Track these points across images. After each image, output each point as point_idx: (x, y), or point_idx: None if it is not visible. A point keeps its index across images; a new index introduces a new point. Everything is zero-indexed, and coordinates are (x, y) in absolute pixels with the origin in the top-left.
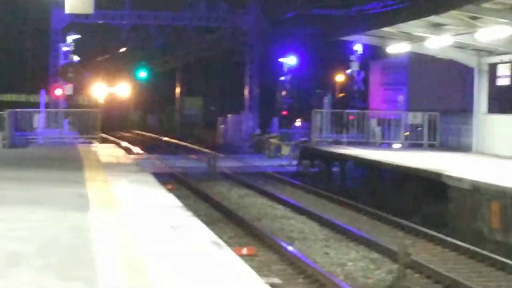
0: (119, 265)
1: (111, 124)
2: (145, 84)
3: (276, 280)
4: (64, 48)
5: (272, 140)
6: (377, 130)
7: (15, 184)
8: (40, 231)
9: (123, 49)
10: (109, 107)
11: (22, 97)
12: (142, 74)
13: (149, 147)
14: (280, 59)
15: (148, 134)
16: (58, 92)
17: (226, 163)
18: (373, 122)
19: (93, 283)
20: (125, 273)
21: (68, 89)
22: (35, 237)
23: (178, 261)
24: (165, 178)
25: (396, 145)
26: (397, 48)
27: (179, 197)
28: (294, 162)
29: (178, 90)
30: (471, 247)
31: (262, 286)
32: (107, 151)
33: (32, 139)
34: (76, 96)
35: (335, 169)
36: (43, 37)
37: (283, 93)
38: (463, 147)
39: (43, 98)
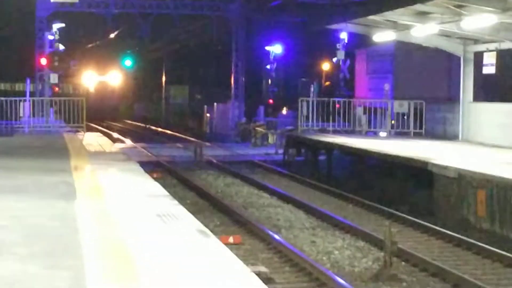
0: (105, 254)
1: (101, 113)
2: (133, 73)
3: (263, 269)
4: (50, 37)
5: (258, 129)
6: (363, 118)
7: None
8: (24, 220)
9: (112, 35)
10: (99, 96)
11: (7, 86)
12: (128, 62)
13: (136, 136)
14: (266, 48)
15: (136, 123)
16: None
17: (212, 152)
18: (359, 110)
19: (79, 271)
20: (111, 262)
21: (54, 77)
22: (19, 226)
23: (164, 250)
24: (151, 167)
25: (382, 134)
26: (383, 37)
27: (165, 185)
28: (280, 151)
29: (163, 79)
30: (457, 235)
31: (248, 275)
32: (93, 140)
33: (18, 127)
34: (61, 85)
35: (321, 157)
36: (28, 26)
37: (269, 81)
38: (449, 136)
39: (28, 86)
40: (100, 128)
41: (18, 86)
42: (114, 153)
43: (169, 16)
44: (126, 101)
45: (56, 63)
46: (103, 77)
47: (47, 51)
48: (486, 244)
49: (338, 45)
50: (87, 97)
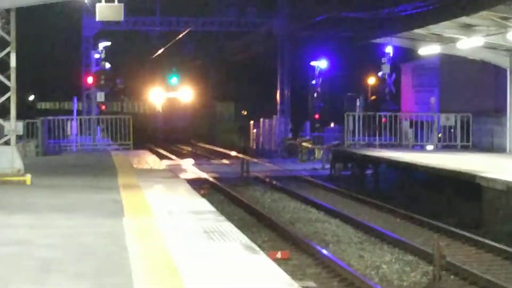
0: (153, 271)
1: (172, 133)
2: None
3: (311, 284)
4: (96, 56)
5: (305, 144)
6: (410, 132)
7: (47, 192)
8: (73, 238)
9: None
10: (169, 115)
11: (56, 105)
12: (174, 80)
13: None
14: (311, 63)
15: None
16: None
17: (259, 168)
18: (405, 124)
19: None
20: (160, 279)
21: (100, 96)
22: (68, 244)
23: (212, 266)
24: (198, 184)
25: (429, 147)
26: (428, 50)
27: (212, 202)
28: (327, 166)
29: (210, 95)
30: (507, 248)
31: None
32: (140, 158)
33: (65, 146)
34: (108, 103)
35: (368, 171)
36: (75, 45)
37: (315, 96)
38: (497, 148)
39: (75, 105)
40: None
41: (65, 105)
42: (161, 170)
43: (214, 33)
44: (200, 120)
45: (102, 82)
46: (173, 94)
47: (93, 70)
48: None
49: (383, 59)
50: (160, 116)
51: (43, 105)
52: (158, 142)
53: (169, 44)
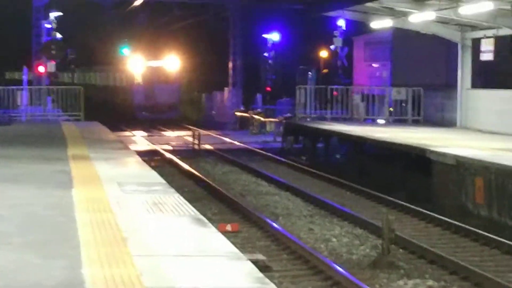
0: (101, 242)
1: (154, 111)
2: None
3: (260, 257)
4: (47, 26)
5: (256, 117)
6: (361, 105)
7: None
8: (20, 209)
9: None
10: (149, 87)
11: (6, 75)
12: (125, 51)
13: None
14: (264, 35)
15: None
16: (41, 69)
17: (211, 140)
18: (357, 97)
19: (75, 260)
20: (108, 250)
21: (51, 66)
22: (15, 215)
23: (161, 237)
24: (148, 156)
25: (380, 121)
26: (380, 24)
27: (163, 174)
28: (278, 139)
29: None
30: (455, 222)
31: (246, 262)
32: (90, 128)
33: (15, 116)
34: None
35: (319, 145)
36: (25, 15)
37: (267, 69)
38: (447, 122)
39: (25, 75)
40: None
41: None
42: (111, 141)
43: (167, 4)
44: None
45: (53, 52)
46: (155, 62)
47: (44, 40)
48: (484, 231)
49: (336, 33)
50: (140, 87)
51: None
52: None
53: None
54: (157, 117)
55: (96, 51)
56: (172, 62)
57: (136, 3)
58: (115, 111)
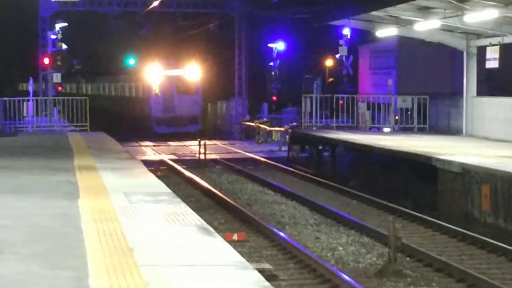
0: (108, 253)
1: (176, 124)
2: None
3: (267, 266)
4: (52, 36)
5: (262, 126)
6: (367, 114)
7: (1, 173)
8: (27, 219)
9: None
10: (169, 98)
11: (20, 86)
12: (131, 61)
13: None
14: (269, 45)
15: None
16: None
17: (216, 149)
18: (363, 106)
19: (82, 271)
20: (114, 260)
21: (57, 77)
22: (22, 225)
23: (167, 247)
24: (155, 165)
25: (386, 129)
26: (385, 32)
27: (169, 183)
28: (284, 148)
29: None
30: (462, 230)
31: (252, 272)
32: (97, 139)
33: (21, 127)
34: (65, 85)
35: (325, 153)
36: (31, 26)
37: (272, 78)
38: (453, 130)
39: (31, 86)
40: None
41: (22, 86)
42: (117, 151)
43: (172, 14)
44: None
45: (59, 62)
46: (175, 72)
47: (50, 51)
48: (491, 238)
49: (341, 41)
50: (149, 99)
51: None
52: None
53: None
54: (177, 131)
55: (105, 60)
56: (193, 71)
57: (151, 7)
58: (130, 124)
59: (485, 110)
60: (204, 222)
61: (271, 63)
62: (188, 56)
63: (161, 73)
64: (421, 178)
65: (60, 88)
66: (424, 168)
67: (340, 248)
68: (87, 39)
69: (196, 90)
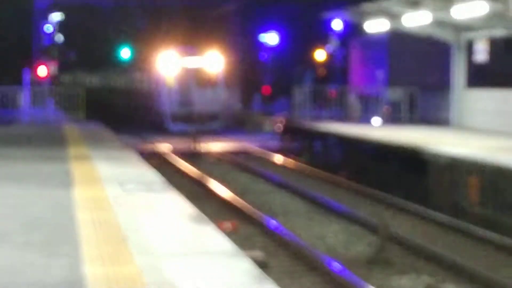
0: (102, 241)
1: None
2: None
3: (258, 253)
4: (49, 28)
5: (254, 117)
6: (357, 106)
7: None
8: (22, 208)
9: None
10: (186, 89)
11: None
12: (126, 53)
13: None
14: (261, 36)
15: None
16: (41, 72)
17: (208, 139)
18: (353, 98)
19: (76, 259)
20: (108, 248)
21: (53, 69)
22: (17, 214)
23: (161, 236)
24: (148, 155)
25: (376, 121)
26: (375, 25)
27: (162, 173)
28: (276, 138)
29: None
30: (450, 220)
31: (244, 259)
32: (92, 129)
33: (16, 117)
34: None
35: (316, 144)
36: (26, 18)
37: (265, 69)
38: (442, 122)
39: (27, 76)
40: None
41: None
42: (112, 141)
43: (168, 7)
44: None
45: (55, 54)
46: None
47: (45, 42)
48: (479, 227)
49: (332, 34)
50: (162, 93)
51: None
52: None
53: None
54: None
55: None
56: (214, 59)
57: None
58: (135, 119)
59: (474, 102)
60: (197, 211)
61: (264, 55)
62: (207, 42)
63: (177, 62)
64: (411, 169)
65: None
66: (413, 159)
67: (331, 236)
68: (84, 30)
69: (217, 81)
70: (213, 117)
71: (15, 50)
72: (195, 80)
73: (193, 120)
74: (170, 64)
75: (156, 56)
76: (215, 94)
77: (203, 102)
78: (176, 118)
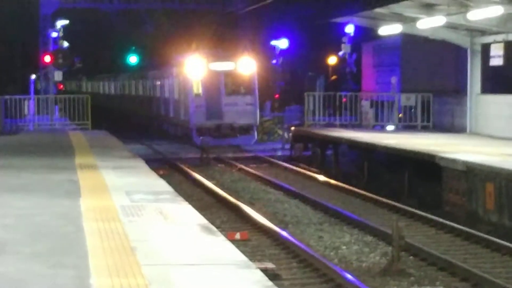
0: (109, 252)
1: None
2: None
3: (269, 265)
4: (54, 34)
5: (265, 124)
6: (370, 112)
7: (3, 171)
8: (29, 218)
9: None
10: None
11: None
12: (133, 59)
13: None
14: (272, 42)
15: None
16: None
17: (217, 147)
18: (366, 104)
19: (83, 270)
20: (116, 259)
21: (58, 75)
22: (24, 225)
23: (169, 246)
24: (157, 164)
25: (390, 127)
26: (389, 30)
27: (171, 182)
28: (287, 146)
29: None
30: (466, 229)
31: (254, 271)
32: (98, 137)
33: (22, 125)
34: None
35: (328, 152)
36: (32, 24)
37: (275, 76)
38: (457, 128)
39: (32, 84)
40: None
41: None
42: (119, 150)
43: (175, 11)
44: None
45: (60, 61)
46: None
47: (51, 48)
48: (495, 237)
49: (344, 39)
50: (188, 102)
51: None
52: None
53: None
54: (225, 144)
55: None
56: (246, 64)
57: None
58: (159, 132)
59: (489, 107)
60: (206, 221)
61: (274, 61)
62: (238, 46)
63: (204, 68)
64: (425, 176)
65: (61, 86)
66: (428, 166)
67: (344, 247)
68: (90, 37)
69: (249, 89)
70: (246, 129)
71: (20, 58)
72: (224, 87)
73: (223, 133)
74: (197, 69)
75: (178, 61)
76: (248, 104)
77: (234, 112)
78: (202, 131)
